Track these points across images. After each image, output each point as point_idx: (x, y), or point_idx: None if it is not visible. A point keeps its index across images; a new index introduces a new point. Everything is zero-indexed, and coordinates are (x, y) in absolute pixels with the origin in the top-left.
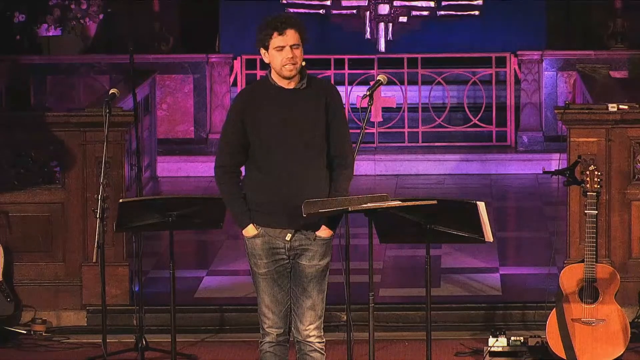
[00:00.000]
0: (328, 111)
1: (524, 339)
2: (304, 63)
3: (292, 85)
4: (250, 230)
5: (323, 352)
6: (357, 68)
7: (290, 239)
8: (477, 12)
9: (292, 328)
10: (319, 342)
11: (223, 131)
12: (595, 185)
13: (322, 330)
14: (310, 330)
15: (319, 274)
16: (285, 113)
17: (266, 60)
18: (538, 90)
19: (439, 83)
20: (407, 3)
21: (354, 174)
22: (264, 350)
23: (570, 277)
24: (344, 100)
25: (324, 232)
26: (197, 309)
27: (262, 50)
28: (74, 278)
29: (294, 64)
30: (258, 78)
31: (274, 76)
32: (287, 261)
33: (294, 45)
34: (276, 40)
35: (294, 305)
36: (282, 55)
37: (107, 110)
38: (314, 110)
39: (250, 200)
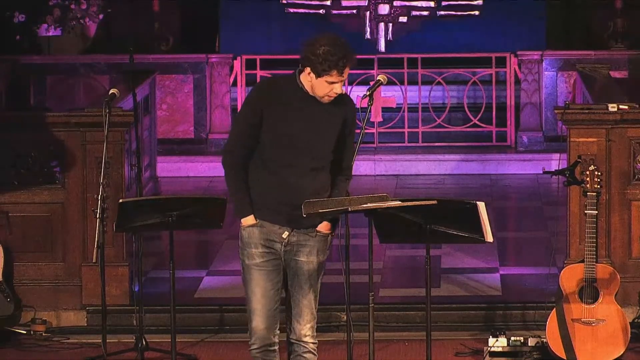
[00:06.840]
0: (344, 126)
1: (524, 339)
2: None
3: None
4: (249, 220)
5: (315, 353)
6: (357, 68)
7: (287, 236)
8: (477, 12)
9: (287, 328)
10: (313, 343)
11: (239, 117)
12: (595, 185)
13: (315, 331)
14: (306, 330)
15: (316, 271)
16: (304, 118)
17: (307, 78)
18: (538, 90)
19: (439, 83)
20: (407, 3)
21: (354, 174)
22: (252, 355)
23: (570, 277)
24: None
25: (324, 227)
26: (197, 309)
27: (309, 71)
28: (74, 278)
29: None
30: (258, 78)
31: (305, 83)
32: (280, 259)
33: (344, 80)
34: (333, 76)
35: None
36: (330, 88)
37: (107, 110)
38: (333, 124)
39: (252, 194)
